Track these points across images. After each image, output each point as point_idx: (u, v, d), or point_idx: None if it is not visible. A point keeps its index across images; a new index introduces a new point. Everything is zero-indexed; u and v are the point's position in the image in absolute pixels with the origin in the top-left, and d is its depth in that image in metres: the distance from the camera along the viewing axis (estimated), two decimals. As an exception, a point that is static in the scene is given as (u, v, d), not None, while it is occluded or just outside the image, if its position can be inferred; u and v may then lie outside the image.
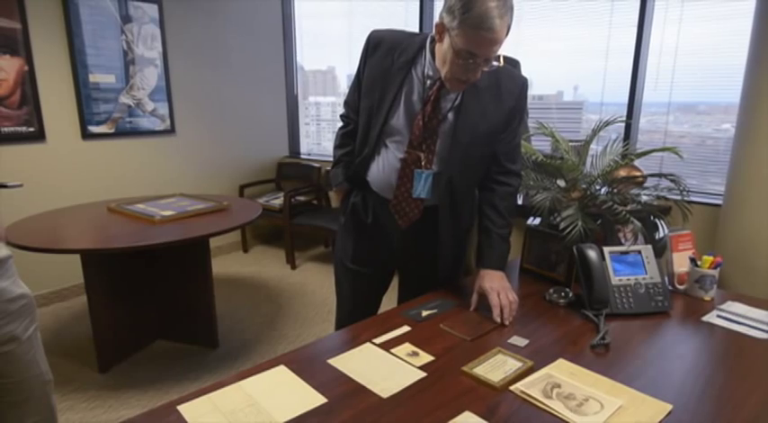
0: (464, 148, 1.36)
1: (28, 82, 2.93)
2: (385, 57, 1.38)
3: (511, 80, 1.38)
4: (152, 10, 3.46)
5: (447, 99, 1.34)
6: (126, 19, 3.33)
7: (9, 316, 1.17)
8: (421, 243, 1.48)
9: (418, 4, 3.66)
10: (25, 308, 1.22)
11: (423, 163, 1.37)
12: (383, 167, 1.43)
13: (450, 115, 1.35)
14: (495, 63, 1.25)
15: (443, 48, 1.24)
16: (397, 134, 1.39)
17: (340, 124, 1.61)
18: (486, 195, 1.47)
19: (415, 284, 1.56)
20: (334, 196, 1.62)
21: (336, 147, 1.59)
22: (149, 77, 3.53)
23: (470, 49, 1.17)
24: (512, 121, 1.40)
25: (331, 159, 1.64)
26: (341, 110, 1.61)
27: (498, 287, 1.31)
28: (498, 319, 1.26)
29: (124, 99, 3.42)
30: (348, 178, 1.54)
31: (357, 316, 1.55)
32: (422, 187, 1.38)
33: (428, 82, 1.34)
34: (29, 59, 2.92)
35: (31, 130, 2.99)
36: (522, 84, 1.40)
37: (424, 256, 1.50)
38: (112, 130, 3.39)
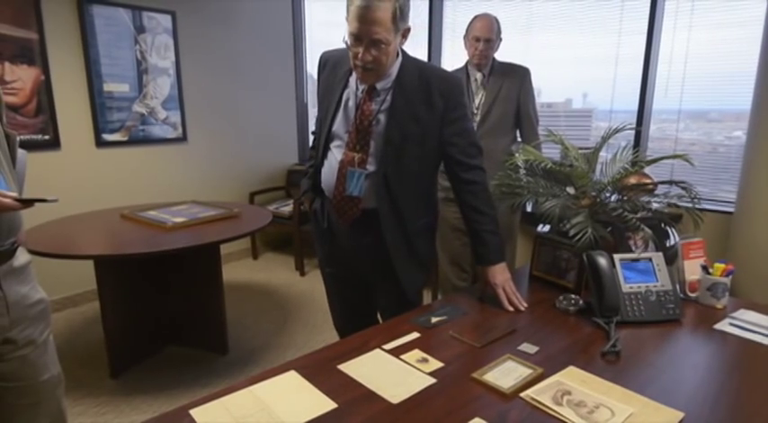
0: (396, 147, 1.42)
1: (44, 91, 2.99)
2: (330, 72, 1.52)
3: (441, 81, 1.44)
4: (165, 20, 3.52)
5: (376, 102, 1.42)
6: (140, 29, 3.39)
7: (28, 320, 1.19)
8: (371, 247, 1.51)
9: (427, 8, 3.66)
10: (42, 312, 1.24)
11: (356, 163, 1.44)
12: (328, 171, 1.52)
13: (382, 117, 1.42)
14: (384, 46, 1.29)
15: None
16: (338, 138, 1.49)
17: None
18: (460, 198, 1.52)
19: (382, 296, 1.62)
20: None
21: (306, 160, 1.72)
22: (162, 86, 3.58)
23: (353, 30, 1.27)
24: (450, 120, 1.45)
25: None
26: None
27: (501, 281, 1.43)
28: (511, 308, 1.38)
29: (137, 108, 3.47)
30: (311, 187, 1.64)
31: (347, 317, 1.73)
32: (354, 185, 1.45)
33: (360, 88, 1.43)
34: (45, 69, 2.97)
35: (47, 137, 3.04)
36: (454, 83, 1.45)
37: (380, 262, 1.52)
38: (126, 138, 3.44)
